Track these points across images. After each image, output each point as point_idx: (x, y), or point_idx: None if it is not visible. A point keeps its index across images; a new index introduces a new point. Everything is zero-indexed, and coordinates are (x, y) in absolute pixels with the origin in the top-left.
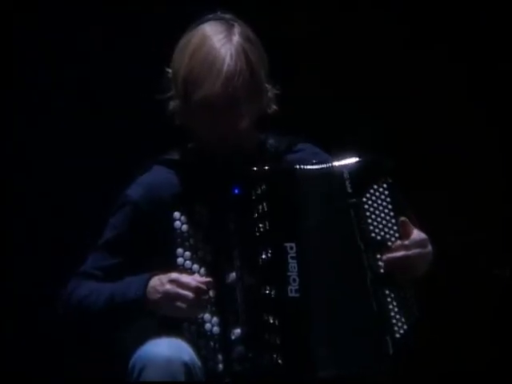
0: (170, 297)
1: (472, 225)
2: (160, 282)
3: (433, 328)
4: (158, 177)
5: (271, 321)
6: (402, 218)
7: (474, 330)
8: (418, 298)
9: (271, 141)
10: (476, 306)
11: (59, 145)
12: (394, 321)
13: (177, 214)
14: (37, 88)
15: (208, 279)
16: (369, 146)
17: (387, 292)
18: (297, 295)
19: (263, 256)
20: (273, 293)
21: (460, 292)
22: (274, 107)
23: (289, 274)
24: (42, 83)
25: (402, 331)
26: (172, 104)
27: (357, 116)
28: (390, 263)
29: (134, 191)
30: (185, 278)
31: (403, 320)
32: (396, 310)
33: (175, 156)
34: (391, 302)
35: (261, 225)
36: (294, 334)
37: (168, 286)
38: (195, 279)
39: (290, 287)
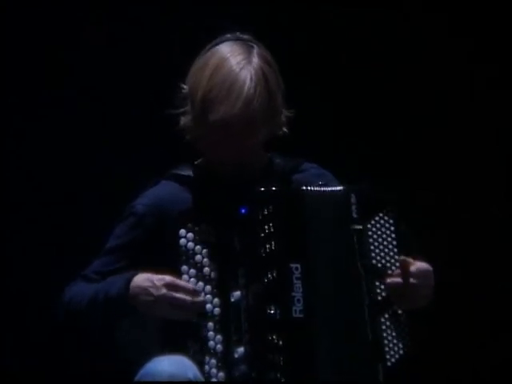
0: (166, 301)
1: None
2: (153, 284)
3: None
4: (166, 192)
5: (275, 341)
6: (402, 257)
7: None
8: (413, 329)
9: (277, 160)
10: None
11: (59, 149)
12: (387, 349)
13: (183, 232)
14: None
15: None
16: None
17: (383, 320)
18: (301, 316)
19: (269, 276)
20: (277, 313)
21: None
22: (285, 130)
23: (293, 294)
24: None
25: (393, 360)
26: (184, 120)
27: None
28: (390, 288)
29: (142, 204)
30: (178, 280)
31: (396, 349)
32: (390, 338)
33: (183, 172)
34: (386, 330)
35: (267, 245)
36: (297, 354)
37: (164, 291)
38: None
39: (294, 308)
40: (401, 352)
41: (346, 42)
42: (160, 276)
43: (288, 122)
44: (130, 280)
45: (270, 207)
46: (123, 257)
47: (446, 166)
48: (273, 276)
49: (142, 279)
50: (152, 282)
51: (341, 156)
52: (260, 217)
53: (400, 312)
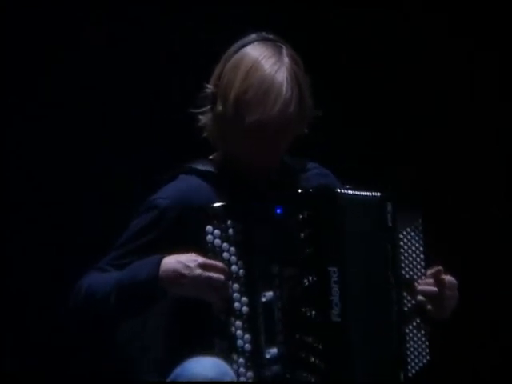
0: (202, 281)
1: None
2: (185, 266)
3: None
4: (188, 186)
5: (313, 343)
6: (439, 267)
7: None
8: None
9: (286, 159)
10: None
11: (61, 147)
12: (409, 360)
13: (210, 228)
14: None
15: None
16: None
17: (407, 331)
18: (339, 320)
19: (307, 278)
20: (315, 316)
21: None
22: (306, 130)
23: (332, 298)
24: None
25: (414, 371)
26: (205, 119)
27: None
28: (425, 295)
29: (163, 198)
30: (210, 260)
31: (417, 361)
32: (412, 349)
33: (203, 167)
34: (409, 341)
35: (305, 247)
36: (334, 357)
37: (198, 271)
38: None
39: (332, 311)
40: (421, 364)
41: (345, 42)
42: (191, 257)
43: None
44: (159, 263)
45: (309, 209)
46: (143, 251)
47: (445, 165)
48: (312, 278)
49: (172, 261)
50: (184, 263)
51: (341, 156)
52: (299, 218)
53: (424, 325)
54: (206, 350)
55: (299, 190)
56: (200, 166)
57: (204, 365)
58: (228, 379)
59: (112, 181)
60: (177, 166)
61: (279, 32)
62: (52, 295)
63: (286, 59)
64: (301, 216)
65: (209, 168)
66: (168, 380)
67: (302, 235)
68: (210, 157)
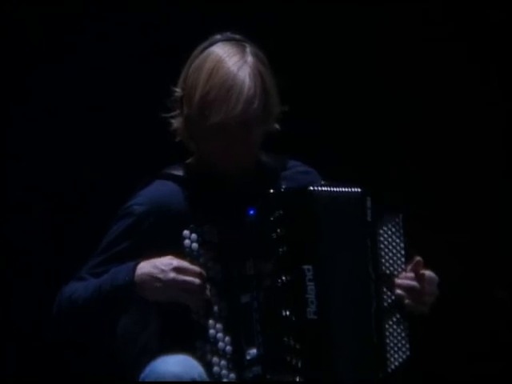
0: (176, 285)
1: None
2: (160, 270)
3: (436, 349)
4: (163, 191)
5: (291, 342)
6: (418, 258)
7: (476, 351)
8: (412, 337)
9: (265, 159)
10: (478, 329)
11: (57, 150)
12: (389, 355)
13: (187, 233)
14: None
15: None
16: None
17: (387, 326)
18: (315, 317)
19: (281, 277)
20: (292, 315)
21: (462, 315)
22: (277, 126)
23: (307, 296)
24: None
25: (393, 366)
26: (177, 122)
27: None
28: (404, 289)
29: (138, 204)
30: (186, 263)
31: (396, 356)
32: (392, 344)
33: (177, 171)
34: (389, 336)
35: (279, 247)
36: (313, 355)
37: (172, 275)
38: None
39: (308, 309)
40: (401, 360)
41: (345, 42)
42: (166, 260)
43: (280, 117)
44: (134, 268)
45: (281, 209)
46: (120, 257)
47: (445, 165)
48: (286, 278)
49: (147, 266)
50: (159, 267)
51: (340, 155)
52: (271, 219)
53: (403, 320)
54: (188, 353)
55: (271, 190)
56: (175, 171)
57: (170, 362)
58: (195, 373)
59: (111, 180)
60: (152, 171)
61: (279, 31)
62: (52, 295)
63: (250, 57)
64: (273, 216)
65: (184, 172)
66: (140, 378)
67: (275, 235)
68: (188, 160)
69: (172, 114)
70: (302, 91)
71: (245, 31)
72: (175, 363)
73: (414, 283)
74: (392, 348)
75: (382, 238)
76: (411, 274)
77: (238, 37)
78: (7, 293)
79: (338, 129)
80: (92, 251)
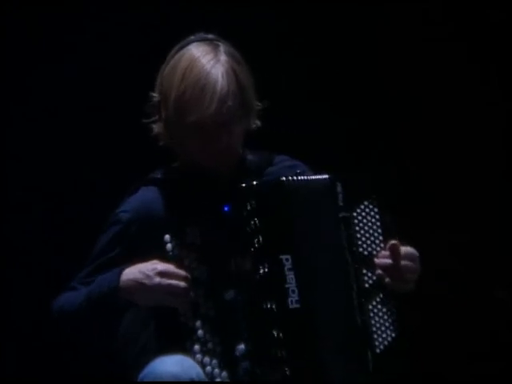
0: (161, 289)
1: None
2: (145, 275)
3: (435, 348)
4: (148, 198)
5: (275, 335)
6: (393, 242)
7: (475, 351)
8: (401, 315)
9: (249, 157)
10: (478, 329)
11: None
12: (376, 336)
13: (167, 237)
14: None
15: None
16: None
17: (370, 307)
18: (297, 306)
19: (260, 271)
20: (274, 306)
21: (462, 314)
22: (258, 123)
23: (287, 285)
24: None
25: (382, 347)
26: (157, 127)
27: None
28: (381, 268)
29: (124, 211)
30: (171, 267)
31: (384, 336)
32: (378, 325)
33: (161, 176)
34: (374, 317)
35: (255, 240)
36: (299, 344)
37: (157, 279)
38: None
39: (290, 299)
40: (389, 339)
41: (345, 42)
42: (151, 265)
43: (260, 114)
44: (119, 274)
45: (253, 202)
46: (109, 266)
47: (445, 165)
48: (265, 270)
49: (133, 271)
50: (144, 272)
51: (340, 155)
52: (244, 213)
53: (387, 299)
54: (181, 354)
55: (243, 185)
56: (160, 175)
57: (168, 362)
58: (194, 373)
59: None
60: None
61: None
62: (52, 295)
63: (223, 56)
64: (246, 210)
65: (169, 175)
66: (138, 378)
67: (249, 229)
68: (174, 164)
69: (152, 119)
70: (302, 91)
71: (245, 31)
72: (173, 363)
73: (389, 261)
74: (379, 328)
75: (356, 221)
76: (387, 253)
77: (211, 36)
78: (7, 293)
79: (338, 129)
80: (92, 251)
